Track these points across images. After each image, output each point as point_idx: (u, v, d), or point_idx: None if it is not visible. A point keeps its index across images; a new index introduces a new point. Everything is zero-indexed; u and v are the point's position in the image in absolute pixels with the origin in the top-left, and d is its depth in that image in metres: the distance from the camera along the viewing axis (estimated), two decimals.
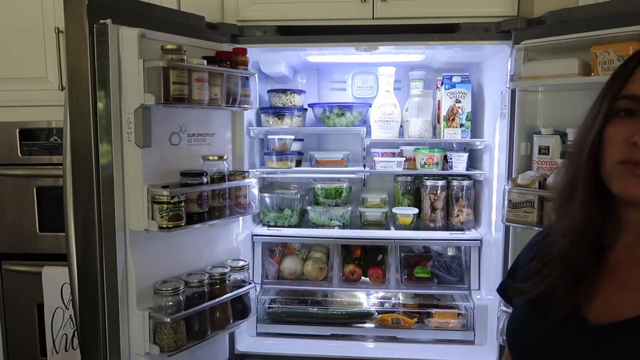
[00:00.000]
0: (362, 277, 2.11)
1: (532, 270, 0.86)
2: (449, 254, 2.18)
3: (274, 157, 2.10)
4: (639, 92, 0.73)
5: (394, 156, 2.10)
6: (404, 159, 2.12)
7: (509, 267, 1.09)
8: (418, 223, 2.13)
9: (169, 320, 1.41)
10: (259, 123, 2.16)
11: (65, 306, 1.99)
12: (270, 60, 2.03)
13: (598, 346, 0.73)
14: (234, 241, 1.80)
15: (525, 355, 0.85)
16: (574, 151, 0.82)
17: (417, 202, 2.19)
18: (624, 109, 0.74)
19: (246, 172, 1.72)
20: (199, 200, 1.50)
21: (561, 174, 0.85)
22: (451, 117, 2.03)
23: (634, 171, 0.71)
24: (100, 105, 1.35)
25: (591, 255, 0.79)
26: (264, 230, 2.08)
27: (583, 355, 0.74)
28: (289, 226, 2.11)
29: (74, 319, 1.66)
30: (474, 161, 2.19)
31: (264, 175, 2.19)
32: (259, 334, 2.04)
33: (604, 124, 0.76)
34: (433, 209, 2.10)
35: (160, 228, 1.40)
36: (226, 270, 1.63)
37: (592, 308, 0.76)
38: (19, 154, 2.02)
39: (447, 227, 2.10)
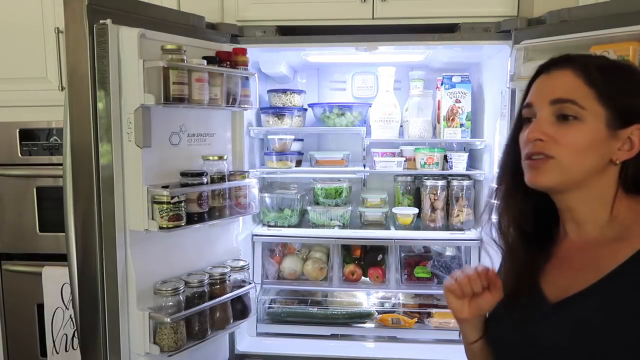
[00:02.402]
0: (362, 277, 2.11)
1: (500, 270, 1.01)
2: (449, 253, 2.18)
3: (274, 157, 2.10)
4: (532, 100, 0.90)
5: (394, 156, 2.10)
6: (404, 159, 2.12)
7: None
8: (418, 223, 2.13)
9: (169, 320, 1.41)
10: (259, 123, 2.16)
11: (65, 306, 1.99)
12: (270, 60, 2.03)
13: (558, 319, 0.85)
14: (234, 241, 1.80)
15: (502, 341, 0.96)
16: (502, 159, 1.00)
17: (417, 202, 2.19)
18: (527, 117, 0.91)
19: (246, 172, 1.72)
20: (199, 200, 1.50)
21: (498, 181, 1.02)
22: (451, 117, 2.03)
23: (531, 164, 0.87)
24: (100, 105, 1.35)
25: (531, 246, 0.94)
26: (264, 230, 2.08)
27: (549, 329, 0.86)
28: (289, 226, 2.11)
29: (74, 319, 1.66)
30: (474, 161, 2.19)
31: (264, 175, 2.19)
32: (259, 334, 2.04)
33: (516, 132, 0.94)
34: (433, 209, 2.10)
35: (160, 228, 1.39)
36: (226, 270, 1.62)
37: (551, 291, 0.89)
38: (19, 154, 2.02)
39: (447, 227, 2.10)
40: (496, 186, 1.00)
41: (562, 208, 0.92)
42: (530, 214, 0.95)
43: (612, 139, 0.84)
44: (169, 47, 1.40)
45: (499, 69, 1.81)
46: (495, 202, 1.01)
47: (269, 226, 2.12)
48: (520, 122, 0.94)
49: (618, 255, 0.81)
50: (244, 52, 1.68)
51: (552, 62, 0.90)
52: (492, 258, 1.92)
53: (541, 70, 0.92)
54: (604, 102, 0.83)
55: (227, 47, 1.68)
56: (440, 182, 2.09)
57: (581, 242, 0.90)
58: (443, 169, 2.10)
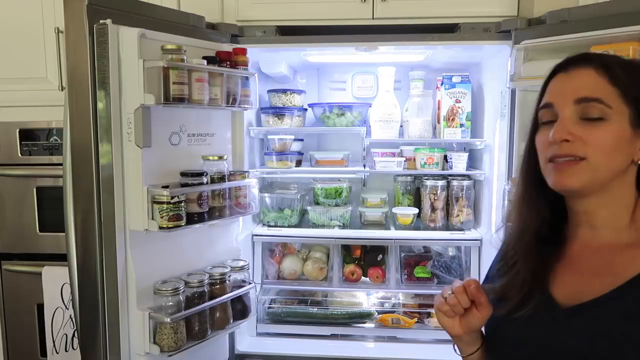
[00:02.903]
0: (362, 277, 2.11)
1: (502, 269, 0.98)
2: (449, 254, 2.18)
3: (274, 157, 2.10)
4: (551, 100, 0.87)
5: (394, 156, 2.10)
6: (404, 159, 2.12)
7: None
8: (418, 223, 2.13)
9: (169, 320, 1.41)
10: (259, 123, 2.16)
11: (65, 306, 1.99)
12: (270, 60, 2.03)
13: (571, 325, 0.82)
14: (234, 241, 1.80)
15: (508, 344, 0.92)
16: (521, 163, 0.97)
17: (417, 202, 2.19)
18: (547, 120, 0.87)
19: (246, 172, 1.72)
20: (199, 200, 1.50)
21: (516, 183, 0.99)
22: (451, 117, 2.03)
23: (557, 166, 0.83)
24: (100, 105, 1.35)
25: (544, 249, 0.91)
26: (264, 230, 2.08)
27: (562, 334, 0.83)
28: (289, 226, 2.11)
29: (74, 319, 1.66)
30: (474, 161, 2.19)
31: (264, 175, 2.19)
32: (259, 334, 2.04)
33: (533, 134, 0.91)
34: (433, 209, 2.10)
35: (160, 228, 1.39)
36: (226, 270, 1.62)
37: (561, 294, 0.87)
38: (19, 154, 2.02)
39: (447, 227, 2.10)
40: (517, 194, 0.97)
41: (579, 212, 0.89)
42: (548, 219, 0.93)
43: (635, 138, 0.82)
44: (169, 47, 1.40)
45: (499, 69, 1.82)
46: (514, 208, 0.97)
47: (269, 226, 2.12)
48: (535, 126, 0.91)
49: (638, 261, 0.80)
50: (244, 52, 1.68)
51: (570, 61, 0.87)
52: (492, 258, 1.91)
53: (557, 70, 0.88)
54: (628, 100, 0.81)
55: (227, 47, 1.69)
56: (440, 182, 2.09)
57: (595, 246, 0.87)
58: (443, 169, 2.10)
